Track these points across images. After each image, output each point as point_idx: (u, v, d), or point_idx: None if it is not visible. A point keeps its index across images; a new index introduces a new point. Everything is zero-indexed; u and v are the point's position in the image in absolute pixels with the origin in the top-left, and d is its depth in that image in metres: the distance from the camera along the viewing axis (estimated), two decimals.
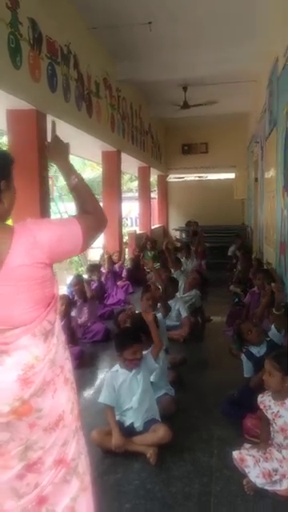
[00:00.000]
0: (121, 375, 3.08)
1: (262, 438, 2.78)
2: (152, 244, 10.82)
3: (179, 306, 5.58)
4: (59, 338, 1.60)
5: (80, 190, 1.73)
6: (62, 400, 1.57)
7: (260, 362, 3.36)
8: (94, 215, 1.69)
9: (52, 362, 1.53)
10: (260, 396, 2.78)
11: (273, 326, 3.65)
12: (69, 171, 1.74)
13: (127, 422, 3.06)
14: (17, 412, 1.46)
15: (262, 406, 2.73)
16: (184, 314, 5.52)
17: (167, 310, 5.08)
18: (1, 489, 1.48)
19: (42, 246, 1.48)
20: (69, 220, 1.66)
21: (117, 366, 3.14)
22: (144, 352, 3.29)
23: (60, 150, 1.80)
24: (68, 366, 1.64)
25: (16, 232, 1.48)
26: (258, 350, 3.55)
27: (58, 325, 1.61)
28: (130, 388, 3.06)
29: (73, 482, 1.59)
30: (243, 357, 3.68)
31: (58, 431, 1.55)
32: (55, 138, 1.82)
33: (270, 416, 2.68)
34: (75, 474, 1.60)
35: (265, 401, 2.73)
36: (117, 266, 8.38)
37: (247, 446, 2.77)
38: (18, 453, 1.48)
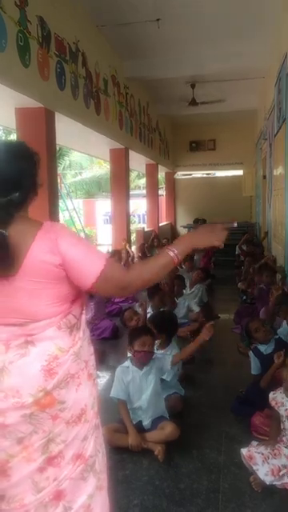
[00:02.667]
0: (131, 372, 3.08)
1: (272, 435, 2.78)
2: (158, 241, 10.82)
3: (189, 303, 5.62)
4: (85, 332, 1.61)
5: (163, 261, 1.61)
6: (85, 394, 1.58)
7: (267, 360, 3.38)
8: (131, 275, 1.56)
9: (76, 355, 1.54)
10: (272, 393, 2.78)
11: (284, 321, 3.64)
12: (184, 250, 1.64)
13: (135, 420, 3.07)
14: (40, 403, 1.47)
15: (273, 403, 2.72)
16: (196, 309, 5.59)
17: (174, 306, 5.13)
18: (23, 481, 1.49)
19: (60, 255, 1.47)
20: (99, 253, 1.56)
21: (127, 362, 3.15)
22: (160, 352, 3.32)
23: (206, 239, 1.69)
24: (92, 361, 1.65)
25: (43, 229, 1.49)
26: (265, 348, 3.55)
27: (84, 320, 1.62)
28: (139, 387, 3.06)
29: (90, 479, 1.59)
30: (251, 354, 3.68)
31: (80, 425, 1.56)
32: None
33: (282, 413, 2.68)
34: (92, 472, 1.60)
35: (277, 397, 2.73)
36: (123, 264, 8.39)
37: (255, 443, 2.77)
38: (41, 445, 1.49)
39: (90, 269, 1.49)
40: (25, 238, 1.46)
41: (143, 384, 3.06)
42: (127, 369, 3.11)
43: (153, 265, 1.61)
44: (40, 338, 1.49)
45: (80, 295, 1.59)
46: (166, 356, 3.24)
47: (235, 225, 1.80)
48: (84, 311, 1.64)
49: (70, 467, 1.54)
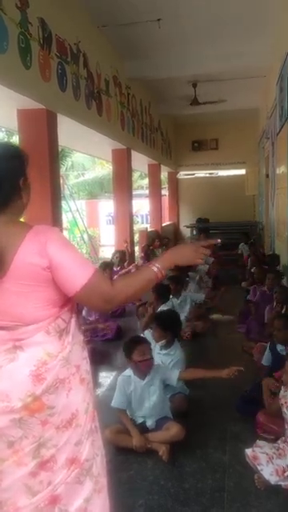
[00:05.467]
0: (133, 382, 3.06)
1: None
2: (161, 242, 10.80)
3: (191, 297, 5.68)
4: (75, 336, 1.59)
5: (147, 276, 1.62)
6: (76, 399, 1.57)
7: (279, 359, 3.43)
8: (116, 289, 1.53)
9: (66, 360, 1.53)
10: (283, 390, 2.77)
11: None
12: (166, 266, 1.65)
13: (139, 421, 3.07)
14: (29, 408, 1.47)
15: (282, 401, 2.71)
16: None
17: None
18: (14, 486, 1.49)
19: (47, 257, 1.46)
20: (88, 263, 1.54)
21: (129, 371, 3.12)
22: (164, 352, 3.32)
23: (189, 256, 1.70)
24: (85, 366, 1.63)
25: (33, 231, 1.48)
26: (281, 349, 3.60)
27: (74, 324, 1.60)
28: (140, 397, 3.05)
29: (86, 483, 1.58)
30: (268, 346, 3.75)
31: (70, 430, 1.55)
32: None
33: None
34: (89, 475, 1.59)
35: (285, 396, 2.72)
36: (126, 265, 8.38)
37: (260, 443, 2.76)
38: (32, 450, 1.49)
39: (77, 276, 1.47)
40: (11, 240, 1.45)
41: (145, 394, 3.05)
42: (129, 378, 3.09)
43: (137, 280, 1.61)
44: (28, 343, 1.49)
45: (70, 299, 1.57)
46: (175, 370, 3.22)
47: (219, 241, 1.84)
48: (74, 315, 1.61)
49: (64, 471, 1.53)
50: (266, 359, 3.71)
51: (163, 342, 3.57)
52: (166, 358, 3.53)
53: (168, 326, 3.62)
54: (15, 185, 1.59)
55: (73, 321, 1.60)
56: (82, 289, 1.47)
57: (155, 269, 1.61)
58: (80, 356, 1.61)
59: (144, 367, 3.03)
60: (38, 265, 1.45)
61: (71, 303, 1.60)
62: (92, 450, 1.62)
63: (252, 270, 7.21)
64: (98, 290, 1.51)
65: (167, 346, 3.61)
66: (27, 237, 1.46)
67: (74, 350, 1.57)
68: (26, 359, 1.47)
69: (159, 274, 1.61)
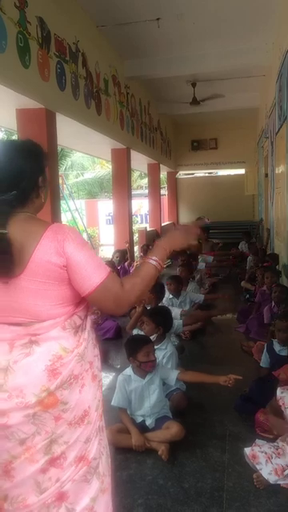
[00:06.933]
0: (133, 381, 3.06)
1: (276, 429, 2.77)
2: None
3: (190, 296, 5.67)
4: (90, 333, 1.60)
5: (148, 271, 1.64)
6: (88, 396, 1.57)
7: (278, 359, 3.46)
8: (126, 291, 1.55)
9: (81, 356, 1.54)
10: (280, 391, 2.78)
11: None
12: (163, 256, 1.68)
13: (138, 420, 3.07)
14: (43, 403, 1.46)
15: (281, 402, 2.72)
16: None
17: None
18: (26, 482, 1.49)
19: (65, 256, 1.47)
20: (102, 264, 1.54)
21: (129, 370, 3.12)
22: (156, 346, 3.32)
23: (181, 239, 1.74)
24: (97, 363, 1.64)
25: (51, 229, 1.49)
26: (279, 349, 3.60)
27: (90, 321, 1.61)
28: (140, 396, 3.05)
29: (93, 481, 1.59)
30: (264, 347, 3.75)
31: (82, 427, 1.55)
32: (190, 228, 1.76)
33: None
34: (96, 474, 1.59)
35: (285, 398, 2.72)
36: (127, 264, 8.39)
37: (259, 442, 2.76)
38: (43, 446, 1.48)
39: (92, 276, 1.49)
40: (30, 237, 1.46)
41: (145, 393, 3.05)
42: (129, 377, 3.08)
43: (141, 278, 1.61)
44: (44, 338, 1.49)
45: (85, 298, 1.58)
46: (174, 370, 3.23)
47: (207, 221, 1.87)
48: (89, 313, 1.63)
49: (72, 469, 1.53)
50: (263, 361, 3.71)
51: (154, 336, 3.58)
52: (159, 353, 3.52)
53: (160, 320, 3.64)
54: (34, 183, 1.60)
55: (89, 318, 1.61)
56: (95, 289, 1.49)
57: (154, 262, 1.62)
58: (93, 353, 1.62)
59: (148, 368, 3.03)
60: (56, 263, 1.46)
61: (87, 301, 1.60)
62: (99, 449, 1.62)
63: (252, 270, 7.23)
64: (110, 292, 1.52)
65: (158, 340, 3.61)
66: (45, 235, 1.47)
67: (88, 346, 1.58)
68: (42, 353, 1.47)
69: (158, 267, 1.63)
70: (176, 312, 4.63)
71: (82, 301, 1.58)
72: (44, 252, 1.45)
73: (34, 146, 1.66)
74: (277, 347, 3.61)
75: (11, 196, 1.51)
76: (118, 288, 1.53)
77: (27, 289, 1.47)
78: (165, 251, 1.68)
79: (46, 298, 1.49)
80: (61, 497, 1.52)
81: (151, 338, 3.53)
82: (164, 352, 3.59)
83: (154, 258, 1.64)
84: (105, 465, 1.66)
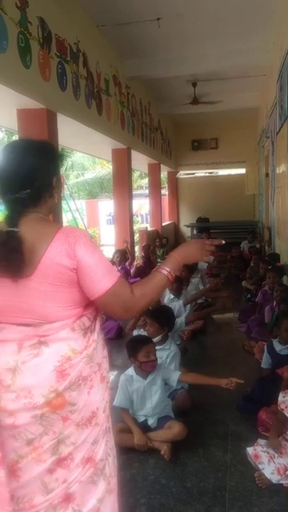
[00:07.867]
0: (135, 382, 3.06)
1: (273, 433, 2.76)
2: (161, 241, 10.79)
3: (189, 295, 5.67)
4: (99, 335, 1.60)
5: (159, 281, 1.64)
6: (97, 397, 1.57)
7: (279, 359, 3.46)
8: (135, 297, 1.55)
9: (90, 357, 1.53)
10: (282, 395, 2.75)
11: None
12: (176, 267, 1.68)
13: (140, 419, 3.08)
14: (51, 404, 1.46)
15: (283, 406, 2.70)
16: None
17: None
18: (32, 482, 1.49)
19: (76, 259, 1.47)
20: (112, 269, 1.56)
21: (131, 371, 3.12)
22: (159, 347, 3.32)
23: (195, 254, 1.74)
24: (105, 364, 1.64)
25: (62, 232, 1.49)
26: (280, 349, 3.58)
27: (99, 322, 1.61)
28: (142, 396, 3.06)
29: (100, 483, 1.58)
30: (265, 348, 3.73)
31: (90, 428, 1.55)
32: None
33: None
34: (102, 476, 1.59)
35: (287, 401, 2.71)
36: (128, 264, 8.38)
37: (262, 442, 2.76)
38: (51, 447, 1.48)
39: (102, 281, 1.49)
40: (41, 239, 1.46)
41: (147, 393, 3.05)
42: (131, 377, 3.09)
43: (151, 287, 1.62)
44: (53, 339, 1.49)
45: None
46: (176, 371, 3.23)
47: (223, 242, 1.87)
48: (99, 314, 1.62)
49: (79, 470, 1.53)
50: (264, 362, 3.69)
51: (159, 337, 3.56)
52: (162, 353, 3.52)
53: (163, 321, 3.63)
54: (49, 182, 1.60)
55: (98, 319, 1.61)
56: (104, 294, 1.49)
57: (165, 272, 1.63)
58: (101, 354, 1.62)
59: (149, 368, 3.03)
60: (66, 266, 1.46)
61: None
62: (106, 450, 1.62)
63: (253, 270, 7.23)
64: (119, 297, 1.53)
65: (162, 341, 3.61)
66: (56, 237, 1.47)
67: (97, 348, 1.58)
68: (51, 354, 1.47)
69: (170, 277, 1.63)
70: (179, 307, 4.63)
71: (91, 302, 1.58)
72: (55, 254, 1.45)
73: (49, 146, 1.66)
74: (277, 347, 3.60)
75: (25, 194, 1.51)
76: (127, 294, 1.53)
77: (37, 290, 1.46)
78: (178, 263, 1.68)
79: (56, 300, 1.49)
80: (67, 498, 1.52)
81: (156, 338, 3.52)
82: (168, 352, 3.58)
83: (166, 268, 1.64)
84: (111, 466, 1.66)
